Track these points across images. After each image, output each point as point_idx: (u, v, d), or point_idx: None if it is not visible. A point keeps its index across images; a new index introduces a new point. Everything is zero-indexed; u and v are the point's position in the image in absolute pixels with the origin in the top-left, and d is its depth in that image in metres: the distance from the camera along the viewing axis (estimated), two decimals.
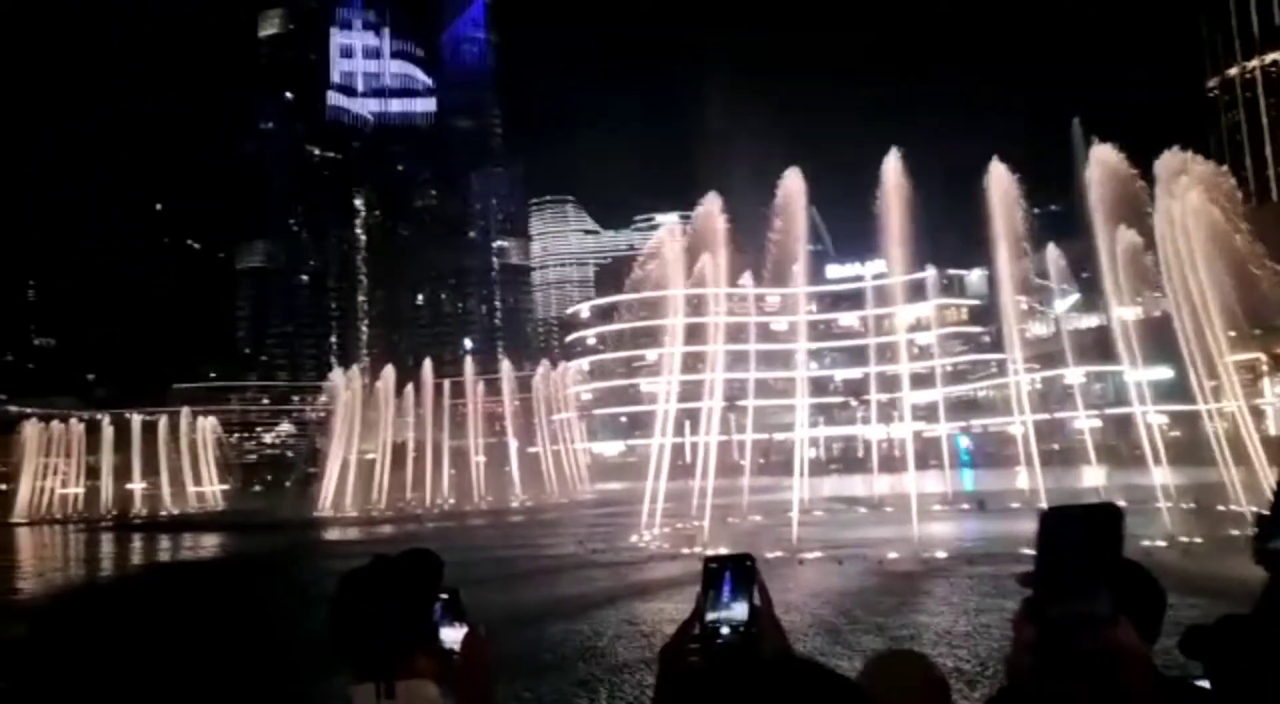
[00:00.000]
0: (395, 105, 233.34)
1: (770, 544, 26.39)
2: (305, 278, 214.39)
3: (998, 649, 13.35)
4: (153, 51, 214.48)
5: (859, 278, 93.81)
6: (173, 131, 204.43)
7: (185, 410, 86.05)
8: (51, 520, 69.88)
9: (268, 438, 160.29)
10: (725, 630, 1.85)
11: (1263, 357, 33.77)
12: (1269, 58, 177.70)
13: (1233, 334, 33.07)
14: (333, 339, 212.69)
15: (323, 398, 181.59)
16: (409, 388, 70.84)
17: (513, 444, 76.12)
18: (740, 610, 1.88)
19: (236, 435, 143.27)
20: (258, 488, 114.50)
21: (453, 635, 2.23)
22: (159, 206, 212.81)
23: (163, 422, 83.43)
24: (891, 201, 35.19)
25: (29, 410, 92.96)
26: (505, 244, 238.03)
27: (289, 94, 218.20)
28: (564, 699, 12.17)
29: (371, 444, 69.77)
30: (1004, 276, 38.60)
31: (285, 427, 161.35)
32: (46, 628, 20.56)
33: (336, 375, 74.38)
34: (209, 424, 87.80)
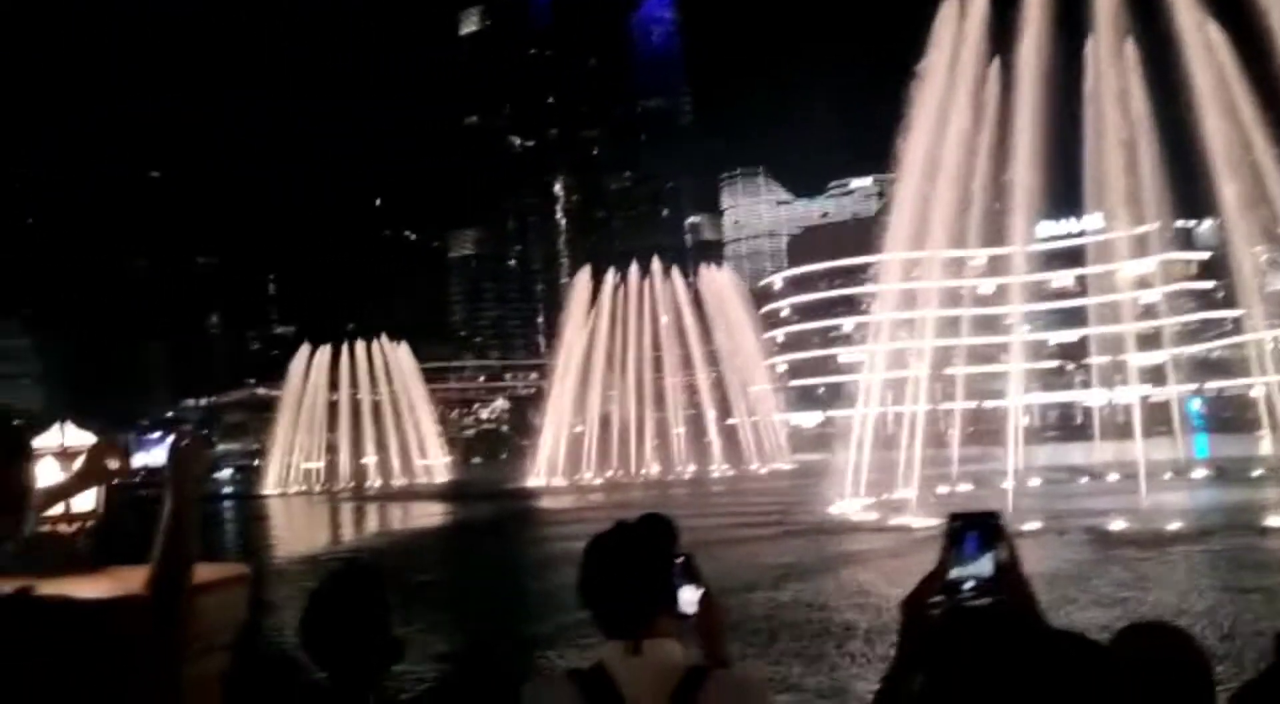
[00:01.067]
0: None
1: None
2: (513, 262, 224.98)
3: (1236, 629, 12.69)
4: (367, 55, 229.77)
5: (1075, 234, 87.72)
6: (388, 130, 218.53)
7: (410, 388, 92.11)
8: (297, 493, 77.05)
9: (484, 413, 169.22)
10: (969, 586, 1.92)
11: None
12: None
13: None
14: (540, 319, 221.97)
15: (533, 375, 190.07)
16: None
17: (710, 415, 77.03)
18: (985, 567, 1.93)
19: (456, 411, 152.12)
20: (476, 460, 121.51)
21: (688, 597, 2.39)
22: (378, 202, 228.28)
23: (389, 400, 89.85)
24: (1108, 150, 33.21)
25: (275, 392, 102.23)
26: (696, 220, 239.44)
27: (488, 90, 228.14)
28: (787, 662, 12.54)
29: (580, 417, 72.53)
30: (1236, 226, 35.55)
31: (500, 402, 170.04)
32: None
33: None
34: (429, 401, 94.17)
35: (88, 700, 2.25)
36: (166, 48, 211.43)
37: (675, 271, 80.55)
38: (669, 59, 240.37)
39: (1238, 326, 61.05)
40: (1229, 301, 59.71)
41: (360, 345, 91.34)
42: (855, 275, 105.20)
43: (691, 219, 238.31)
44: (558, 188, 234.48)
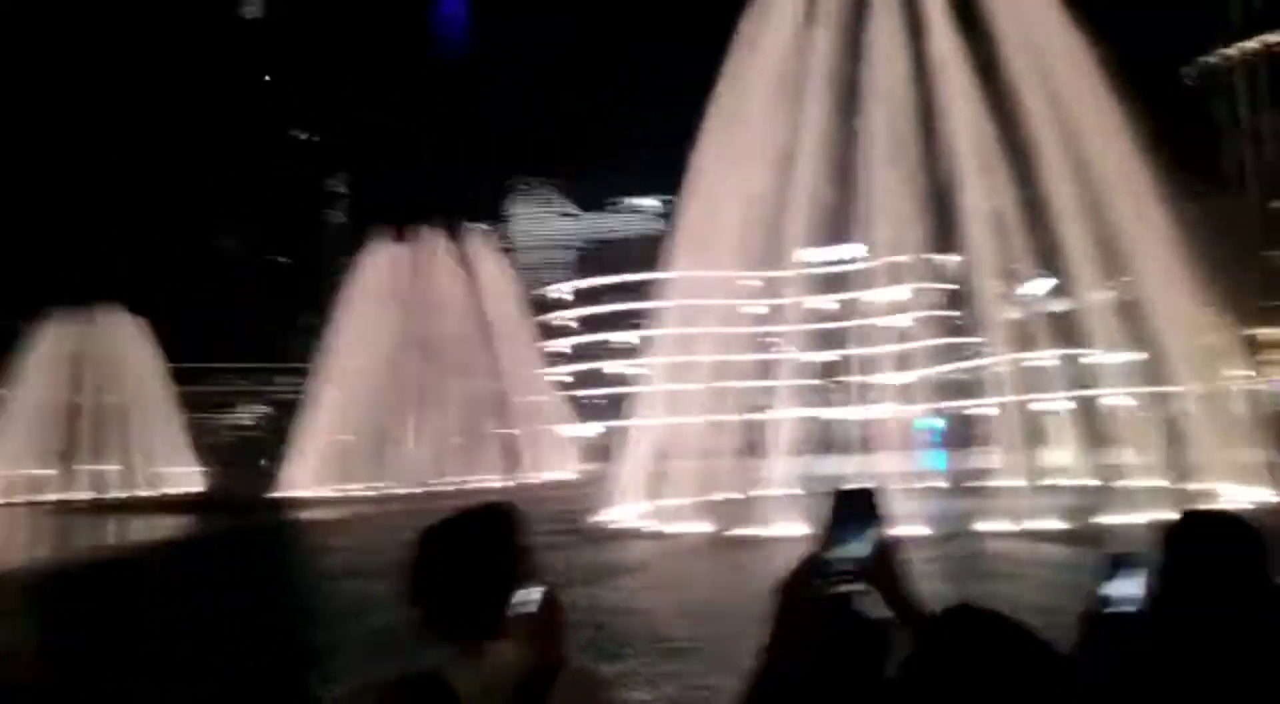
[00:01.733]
0: None
1: (742, 521, 27.08)
2: (284, 260, 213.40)
3: None
4: (138, 34, 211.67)
5: (837, 261, 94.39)
6: (158, 115, 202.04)
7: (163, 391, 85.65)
8: (24, 503, 69.07)
9: (244, 419, 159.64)
10: (845, 568, 1.93)
11: (1228, 340, 34.73)
12: (1247, 46, 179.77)
13: (1198, 319, 33.90)
14: (309, 322, 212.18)
15: (299, 379, 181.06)
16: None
17: (489, 423, 76.44)
18: (861, 547, 1.94)
19: (213, 416, 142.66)
20: (229, 468, 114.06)
21: (526, 595, 2.19)
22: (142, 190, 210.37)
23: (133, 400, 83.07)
24: (874, 184, 35.74)
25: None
26: (483, 226, 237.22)
27: (267, 77, 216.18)
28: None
29: (348, 423, 69.83)
30: (979, 262, 39.28)
31: (261, 407, 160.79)
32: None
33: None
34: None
35: None
36: None
37: (456, 275, 79.24)
38: (460, 62, 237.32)
39: (976, 352, 68.20)
40: (972, 330, 66.71)
41: (101, 336, 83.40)
42: (641, 291, 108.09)
43: (478, 224, 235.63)
44: (337, 185, 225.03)
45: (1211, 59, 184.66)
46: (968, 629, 1.96)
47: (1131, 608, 2.26)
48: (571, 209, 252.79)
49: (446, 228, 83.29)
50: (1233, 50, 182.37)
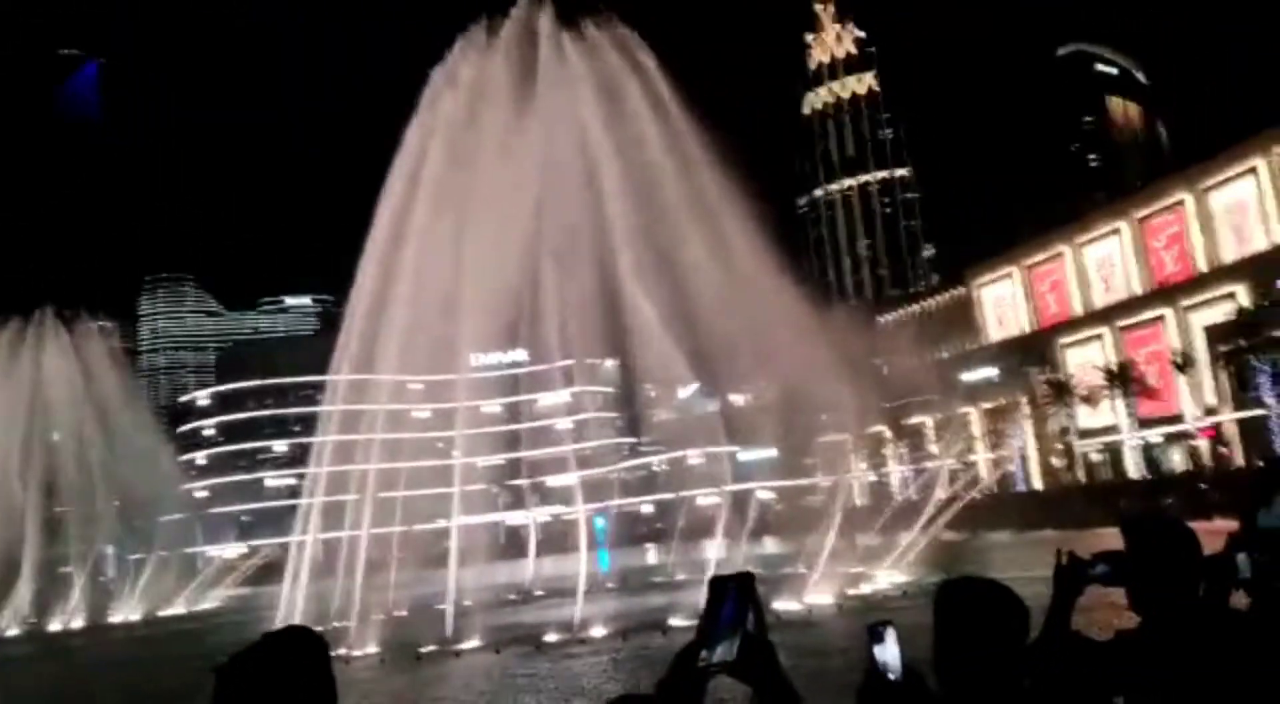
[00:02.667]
0: None
1: (424, 639, 25.80)
2: None
3: None
4: None
5: (501, 365, 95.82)
6: None
7: None
8: None
9: None
10: (719, 661, 1.89)
11: (848, 438, 39.24)
12: (845, 184, 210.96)
13: (824, 418, 37.97)
14: None
15: None
16: None
17: (109, 551, 67.53)
18: (732, 645, 1.91)
19: None
20: None
21: None
22: None
23: None
24: (538, 296, 36.59)
25: None
26: (107, 324, 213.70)
27: None
28: None
29: None
30: (633, 364, 41.26)
31: None
32: None
33: None
34: None
35: None
36: None
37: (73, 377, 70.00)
38: (86, 145, 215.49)
39: (634, 452, 71.62)
40: (628, 430, 70.03)
41: None
42: (289, 395, 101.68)
43: (101, 323, 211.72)
44: None
45: (818, 193, 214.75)
46: None
47: (895, 675, 2.34)
48: (213, 306, 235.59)
49: (64, 321, 73.77)
50: (834, 187, 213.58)
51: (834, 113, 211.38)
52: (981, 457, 66.58)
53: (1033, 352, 72.02)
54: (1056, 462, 69.34)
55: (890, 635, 2.38)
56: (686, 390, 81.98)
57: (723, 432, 47.62)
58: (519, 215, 34.30)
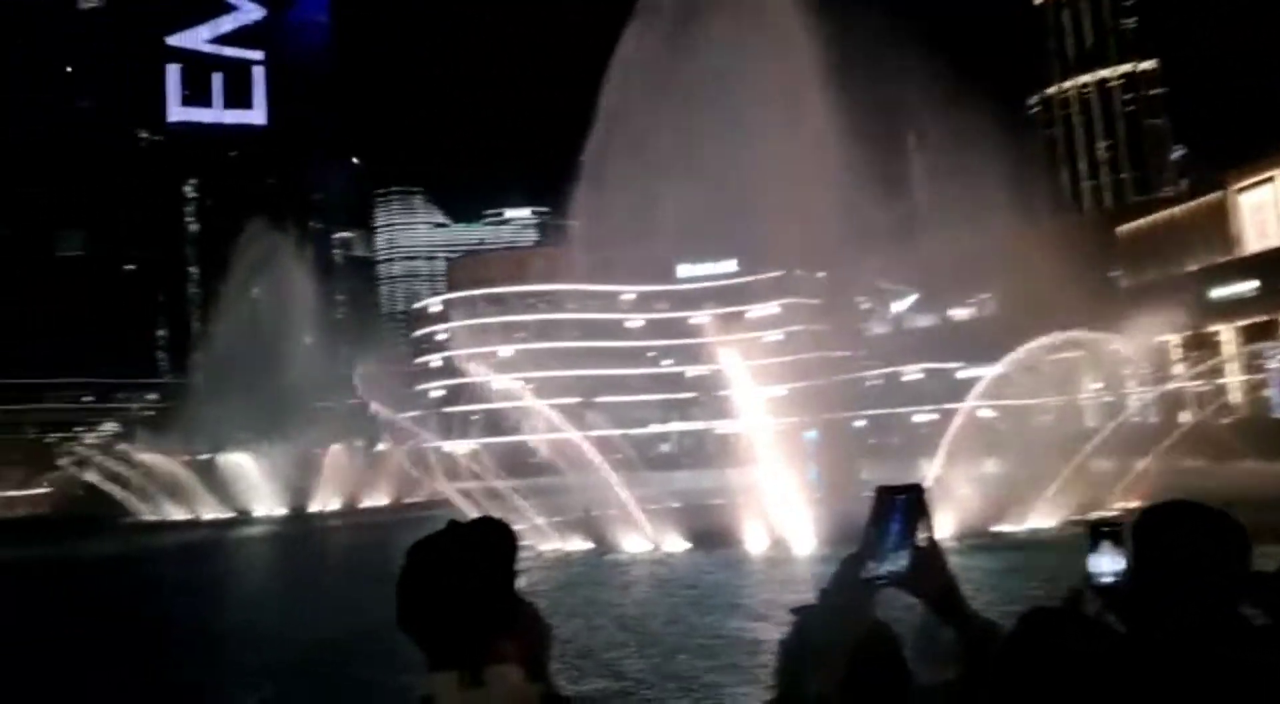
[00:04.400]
0: (230, 117, 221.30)
1: (627, 539, 27.04)
2: (131, 267, 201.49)
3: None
4: None
5: (710, 277, 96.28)
6: None
7: None
8: None
9: (89, 439, 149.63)
10: (886, 575, 1.83)
11: (1081, 355, 36.88)
12: (1081, 80, 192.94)
13: (1055, 334, 35.76)
14: (161, 332, 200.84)
15: (151, 395, 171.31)
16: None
17: (359, 444, 74.10)
18: (901, 558, 1.84)
19: (55, 435, 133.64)
20: (80, 491, 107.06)
21: None
22: None
23: None
24: (745, 199, 36.28)
25: None
26: (348, 235, 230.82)
27: (112, 70, 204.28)
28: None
29: (206, 444, 66.63)
30: (844, 277, 40.30)
31: (110, 425, 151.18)
32: None
33: None
34: None
35: None
36: None
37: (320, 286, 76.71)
38: (323, 64, 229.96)
39: (845, 366, 70.49)
40: (839, 344, 68.80)
41: None
42: (513, 304, 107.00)
43: (342, 234, 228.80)
44: (188, 189, 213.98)
45: (1051, 91, 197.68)
46: (1050, 633, 1.93)
47: (1113, 580, 2.19)
48: (440, 218, 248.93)
49: (310, 233, 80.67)
50: (1069, 84, 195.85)
51: (1070, 1, 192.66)
52: (1232, 379, 60.88)
53: None
54: None
55: (1110, 543, 2.21)
56: (903, 303, 79.32)
57: (942, 346, 45.96)
58: (733, 125, 33.88)
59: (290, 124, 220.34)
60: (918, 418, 41.66)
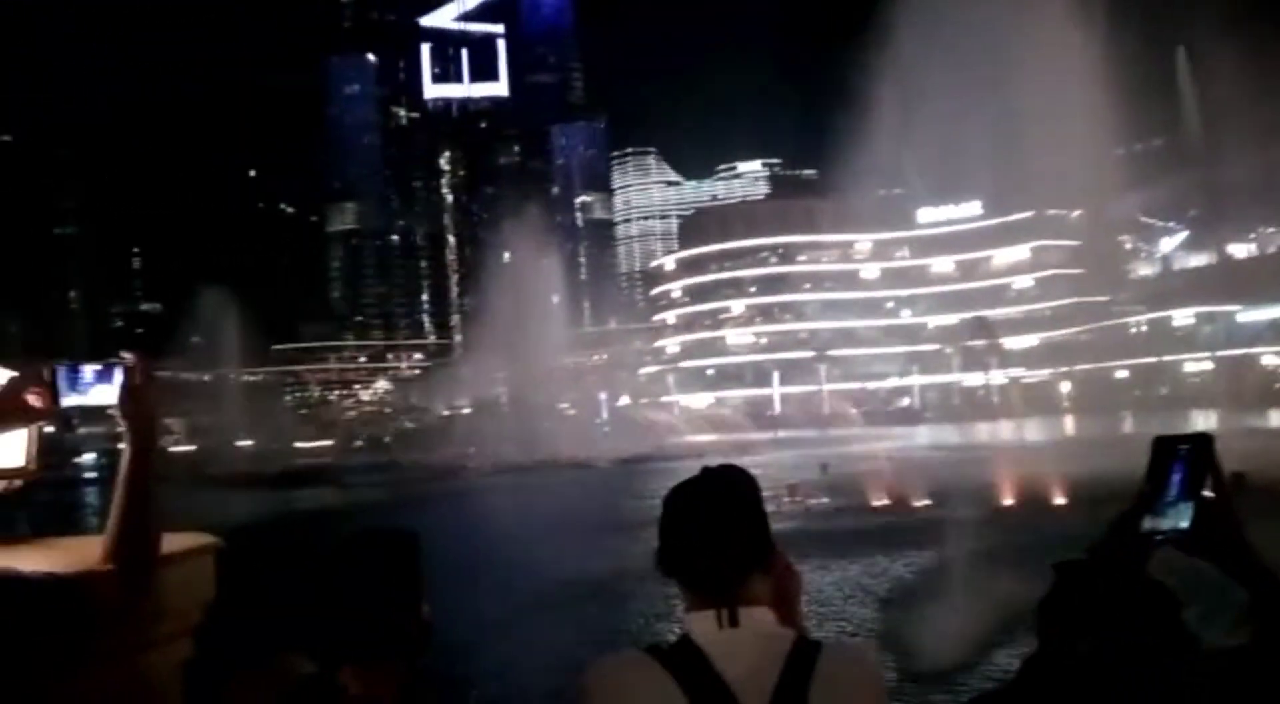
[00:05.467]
0: (477, 90, 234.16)
1: (880, 493, 26.48)
2: (395, 238, 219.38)
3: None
4: (234, 19, 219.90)
5: (952, 221, 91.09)
6: (261, 98, 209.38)
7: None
8: (167, 478, 72.66)
9: (365, 395, 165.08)
10: (1169, 531, 1.72)
11: None
12: None
13: None
14: (424, 297, 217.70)
15: (417, 355, 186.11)
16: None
17: (603, 397, 76.99)
18: (1183, 514, 1.72)
19: (336, 393, 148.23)
20: (358, 443, 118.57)
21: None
22: (252, 173, 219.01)
23: (263, 381, 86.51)
24: (986, 139, 34.34)
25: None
26: (588, 199, 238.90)
27: (371, 56, 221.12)
28: None
29: (467, 399, 71.35)
30: (1101, 216, 37.34)
31: (382, 384, 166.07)
32: None
33: None
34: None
35: (38, 690, 1.87)
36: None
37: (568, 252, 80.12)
38: (560, 33, 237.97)
39: (1105, 311, 64.81)
40: (1099, 287, 63.20)
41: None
42: (744, 258, 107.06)
43: (583, 198, 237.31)
44: (443, 161, 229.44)
45: None
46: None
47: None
48: (673, 176, 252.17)
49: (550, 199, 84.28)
50: None
51: None
52: None
53: None
54: None
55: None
56: (1172, 240, 71.77)
57: (1219, 287, 41.47)
58: (984, 56, 32.02)
59: (532, 93, 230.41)
60: (1189, 366, 37.97)
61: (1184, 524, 1.69)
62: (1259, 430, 30.18)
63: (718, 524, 1.92)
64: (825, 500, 26.97)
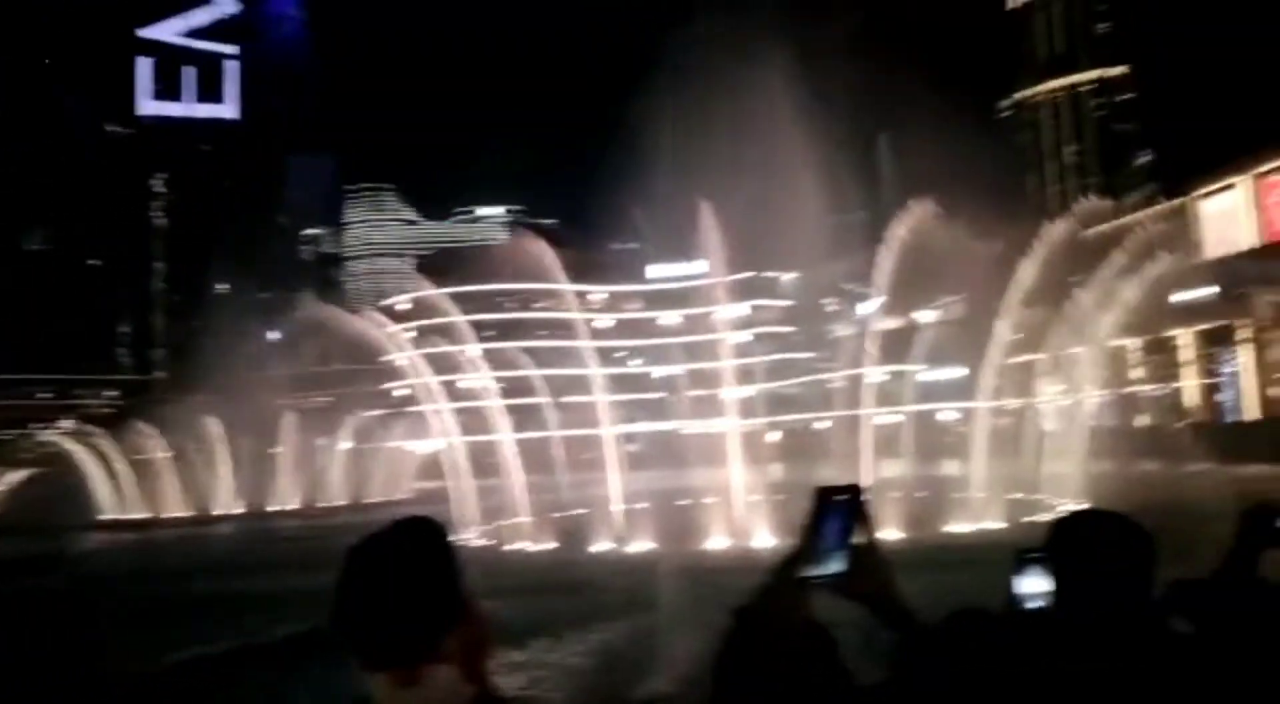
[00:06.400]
0: (202, 111, 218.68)
1: (596, 536, 26.91)
2: (95, 262, 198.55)
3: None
4: None
5: (680, 278, 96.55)
6: None
7: None
8: None
9: (44, 435, 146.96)
10: (825, 576, 1.80)
11: (1041, 358, 37.30)
12: (1052, 84, 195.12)
13: (1017, 337, 36.16)
14: (124, 329, 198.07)
15: (112, 392, 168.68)
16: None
17: (320, 441, 73.34)
18: (839, 560, 1.80)
19: (14, 432, 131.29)
20: (29, 490, 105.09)
21: None
22: None
23: None
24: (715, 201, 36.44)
25: None
26: (318, 231, 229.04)
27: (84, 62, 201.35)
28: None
29: (175, 441, 65.46)
30: (812, 279, 40.56)
31: (68, 422, 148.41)
32: None
33: None
34: None
35: None
36: None
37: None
38: (298, 61, 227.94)
39: (810, 367, 71.10)
40: (805, 345, 69.27)
41: None
42: (482, 302, 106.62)
43: (312, 230, 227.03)
44: (157, 183, 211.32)
45: (1022, 95, 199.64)
46: (976, 632, 2.00)
47: (1041, 603, 2.24)
48: (411, 215, 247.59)
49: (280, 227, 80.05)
50: (1040, 88, 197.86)
51: (1043, 5, 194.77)
52: (1189, 383, 61.74)
53: (1256, 270, 65.49)
54: (1278, 392, 63.49)
55: (1036, 569, 2.27)
56: (868, 306, 79.64)
57: (906, 349, 46.25)
58: (710, 131, 34.00)
59: (263, 119, 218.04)
60: (880, 419, 41.92)
61: (839, 569, 1.78)
62: (938, 477, 33.74)
63: (402, 587, 1.81)
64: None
